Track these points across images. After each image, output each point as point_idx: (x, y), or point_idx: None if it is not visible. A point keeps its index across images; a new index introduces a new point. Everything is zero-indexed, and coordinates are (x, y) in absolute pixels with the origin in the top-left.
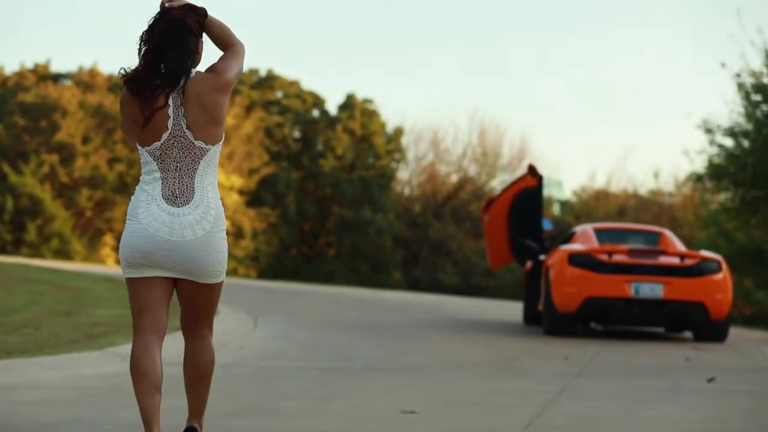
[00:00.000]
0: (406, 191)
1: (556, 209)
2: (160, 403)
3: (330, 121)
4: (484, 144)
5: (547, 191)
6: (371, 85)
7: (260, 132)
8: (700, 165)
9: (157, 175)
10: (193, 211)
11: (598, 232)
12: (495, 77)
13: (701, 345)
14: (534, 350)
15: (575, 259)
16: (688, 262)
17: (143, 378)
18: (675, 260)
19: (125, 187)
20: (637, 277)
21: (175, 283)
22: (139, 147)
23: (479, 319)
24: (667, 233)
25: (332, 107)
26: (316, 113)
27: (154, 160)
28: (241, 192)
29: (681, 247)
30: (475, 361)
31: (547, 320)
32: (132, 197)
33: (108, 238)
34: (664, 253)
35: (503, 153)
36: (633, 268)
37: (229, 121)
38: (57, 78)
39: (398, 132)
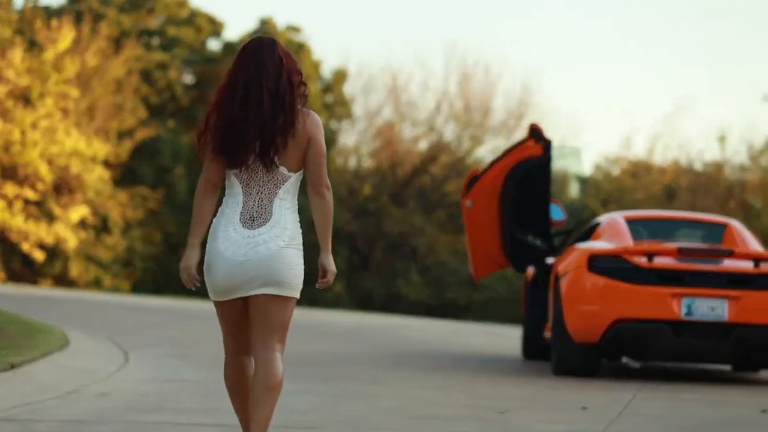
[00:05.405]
0: (352, 164)
1: (572, 190)
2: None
3: None
4: (466, 95)
5: (558, 163)
6: (295, 7)
7: (135, 76)
8: None
9: (240, 198)
10: (269, 231)
11: (634, 224)
12: None
13: None
14: (537, 397)
15: (599, 263)
16: (767, 267)
17: (236, 392)
18: (747, 265)
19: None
20: (690, 290)
21: (249, 301)
22: (226, 170)
23: (457, 352)
24: (736, 225)
25: (237, 38)
26: (214, 45)
27: (239, 183)
28: (107, 164)
29: (756, 246)
30: (449, 414)
31: (558, 354)
32: (214, 218)
33: None
34: (731, 254)
35: (495, 108)
36: (685, 277)
37: (90, 60)
38: None
39: (339, 76)
